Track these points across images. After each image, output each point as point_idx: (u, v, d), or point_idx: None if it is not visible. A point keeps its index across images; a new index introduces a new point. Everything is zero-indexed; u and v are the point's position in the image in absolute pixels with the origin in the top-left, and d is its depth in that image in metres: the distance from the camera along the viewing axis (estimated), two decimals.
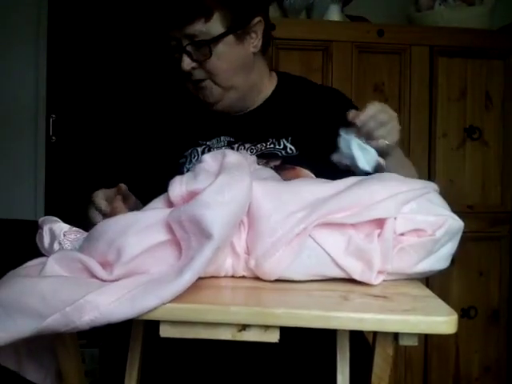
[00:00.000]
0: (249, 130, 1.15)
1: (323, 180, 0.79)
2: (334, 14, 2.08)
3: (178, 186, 0.70)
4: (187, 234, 0.64)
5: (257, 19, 1.13)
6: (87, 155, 2.82)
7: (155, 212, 0.69)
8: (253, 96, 1.19)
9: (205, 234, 0.63)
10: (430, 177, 2.03)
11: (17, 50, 2.86)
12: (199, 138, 1.17)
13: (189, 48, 1.09)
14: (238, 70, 1.13)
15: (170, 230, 0.67)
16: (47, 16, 2.90)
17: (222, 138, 1.15)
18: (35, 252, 0.81)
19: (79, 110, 3.02)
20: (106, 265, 0.66)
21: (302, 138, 1.11)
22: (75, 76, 3.02)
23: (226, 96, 1.15)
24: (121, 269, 0.64)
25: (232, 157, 0.71)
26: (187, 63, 1.10)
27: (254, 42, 1.15)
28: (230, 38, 1.10)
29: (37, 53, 2.88)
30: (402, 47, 2.02)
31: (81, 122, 3.02)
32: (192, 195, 0.68)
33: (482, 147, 2.07)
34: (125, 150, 1.19)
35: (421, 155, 2.03)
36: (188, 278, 0.61)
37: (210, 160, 0.73)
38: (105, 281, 0.64)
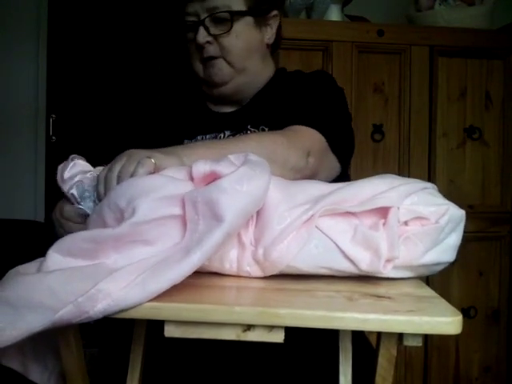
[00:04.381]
0: (233, 124, 1.15)
1: (327, 183, 0.80)
2: (334, 13, 2.08)
3: (203, 164, 0.71)
4: (197, 216, 0.65)
5: (274, 12, 1.17)
6: (87, 155, 2.82)
7: (181, 184, 0.70)
8: (252, 89, 1.19)
9: (216, 218, 0.63)
10: (430, 177, 2.03)
11: (17, 50, 2.86)
12: (185, 136, 1.17)
13: (207, 22, 1.10)
14: (252, 54, 1.15)
15: (184, 206, 0.67)
16: (47, 16, 2.90)
17: (208, 136, 1.16)
18: (35, 252, 0.81)
19: (79, 110, 3.02)
20: (121, 222, 0.67)
21: (278, 125, 1.06)
22: (75, 76, 3.02)
23: (235, 79, 1.15)
24: (128, 227, 0.65)
25: (254, 157, 0.72)
26: (203, 36, 1.11)
27: (269, 34, 1.17)
28: (250, 19, 1.12)
29: (37, 53, 2.88)
30: (402, 47, 2.02)
31: (81, 122, 3.02)
32: (213, 176, 0.69)
33: (482, 147, 2.08)
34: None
35: (421, 155, 2.04)
36: (197, 259, 0.61)
37: (232, 158, 0.74)
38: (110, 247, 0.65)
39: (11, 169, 2.88)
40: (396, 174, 0.78)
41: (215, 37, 1.11)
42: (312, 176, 0.98)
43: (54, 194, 1.23)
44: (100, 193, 0.79)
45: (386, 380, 0.63)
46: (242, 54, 1.13)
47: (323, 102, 1.11)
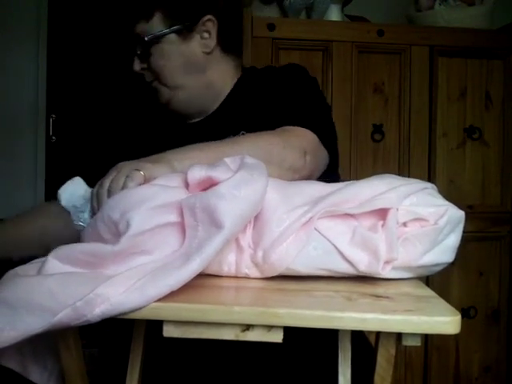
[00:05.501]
0: (206, 135, 1.14)
1: (324, 183, 0.79)
2: (334, 13, 2.08)
3: (198, 170, 0.71)
4: (196, 223, 0.65)
5: (206, 18, 1.11)
6: (87, 155, 2.83)
7: (173, 191, 0.70)
8: (210, 98, 1.17)
9: (215, 224, 0.63)
10: (430, 177, 2.03)
11: (17, 50, 2.86)
12: (161, 150, 1.16)
13: (138, 48, 1.11)
14: (184, 70, 1.13)
15: (181, 213, 0.67)
16: (47, 16, 2.90)
17: None
18: None
19: (79, 110, 3.02)
20: (116, 235, 0.67)
21: (259, 127, 1.03)
22: (75, 76, 3.02)
23: (175, 96, 1.14)
24: (127, 241, 0.65)
25: (250, 159, 0.72)
26: (136, 64, 1.13)
27: (206, 41, 1.13)
28: (173, 36, 1.10)
29: (37, 53, 2.88)
30: (402, 47, 2.02)
31: (81, 122, 3.02)
32: (209, 181, 0.69)
33: (482, 147, 2.08)
34: (115, 154, 1.18)
35: (421, 155, 2.03)
36: (196, 265, 0.61)
37: (228, 161, 0.73)
38: (110, 258, 0.65)
39: (11, 169, 2.88)
40: (396, 174, 0.77)
41: (146, 62, 1.12)
42: (310, 176, 0.98)
43: (54, 194, 1.24)
44: (94, 208, 0.79)
45: (384, 380, 0.63)
46: (171, 73, 1.12)
47: (303, 97, 1.09)
